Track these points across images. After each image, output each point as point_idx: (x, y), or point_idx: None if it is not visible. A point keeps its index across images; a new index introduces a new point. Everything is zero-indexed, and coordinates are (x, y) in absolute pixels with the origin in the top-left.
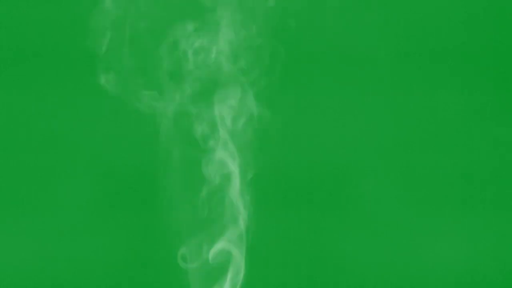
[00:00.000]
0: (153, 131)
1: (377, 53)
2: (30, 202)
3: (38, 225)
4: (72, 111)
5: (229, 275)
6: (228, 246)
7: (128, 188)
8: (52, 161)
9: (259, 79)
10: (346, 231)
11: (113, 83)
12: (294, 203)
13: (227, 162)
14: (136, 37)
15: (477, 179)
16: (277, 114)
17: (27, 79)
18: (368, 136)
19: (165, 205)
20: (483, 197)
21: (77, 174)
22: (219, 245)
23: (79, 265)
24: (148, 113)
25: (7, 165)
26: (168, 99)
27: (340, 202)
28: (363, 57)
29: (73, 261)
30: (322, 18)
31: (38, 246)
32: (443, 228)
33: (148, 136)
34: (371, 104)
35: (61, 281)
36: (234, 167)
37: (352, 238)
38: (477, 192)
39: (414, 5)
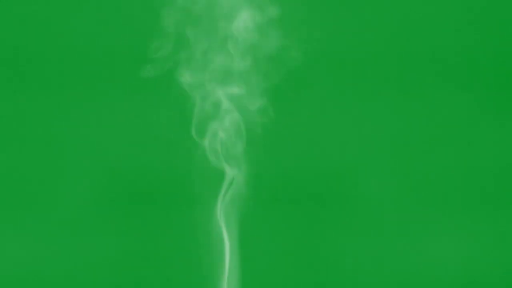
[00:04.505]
0: (155, 130)
1: (377, 54)
2: (31, 202)
3: (40, 225)
4: (73, 111)
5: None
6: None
7: (129, 188)
8: (54, 161)
9: (262, 80)
10: (347, 231)
11: (113, 84)
12: (294, 204)
13: (227, 162)
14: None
15: (478, 179)
16: (278, 116)
17: (26, 80)
18: (369, 137)
19: (168, 205)
20: (484, 197)
21: (78, 174)
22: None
23: (80, 265)
24: (149, 113)
25: (8, 165)
26: (169, 100)
27: (340, 203)
28: (363, 59)
29: (74, 261)
30: (322, 20)
31: (39, 246)
32: (444, 228)
33: (150, 135)
34: (372, 105)
35: (62, 281)
36: (235, 168)
37: (353, 239)
38: (478, 193)
39: (415, 6)
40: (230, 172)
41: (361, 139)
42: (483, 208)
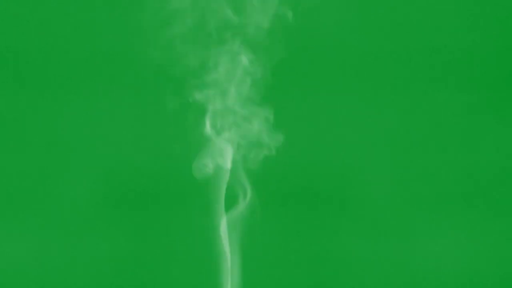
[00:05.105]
0: (155, 130)
1: (379, 54)
2: (30, 202)
3: (39, 225)
4: (72, 111)
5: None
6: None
7: (130, 189)
8: (53, 161)
9: (261, 80)
10: (349, 232)
11: (112, 83)
12: (297, 204)
13: (227, 163)
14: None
15: (479, 180)
16: (278, 116)
17: (26, 79)
18: (370, 137)
19: (167, 205)
20: (485, 197)
21: (79, 175)
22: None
23: (80, 266)
24: (150, 112)
25: (7, 165)
26: (171, 99)
27: (341, 203)
28: (364, 58)
29: (75, 261)
30: (321, 19)
31: (38, 246)
32: (445, 229)
33: (151, 136)
34: (373, 106)
35: (62, 281)
36: (235, 169)
37: (356, 239)
38: (479, 193)
39: (415, 6)
40: (232, 173)
41: (363, 140)
42: (485, 209)
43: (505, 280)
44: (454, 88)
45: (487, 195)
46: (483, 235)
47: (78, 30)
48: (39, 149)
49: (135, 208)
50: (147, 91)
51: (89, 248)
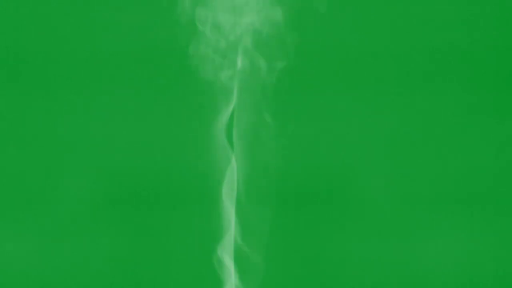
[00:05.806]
0: (155, 130)
1: (377, 54)
2: (31, 202)
3: (40, 225)
4: (72, 110)
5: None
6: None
7: (130, 189)
8: (53, 161)
9: (262, 79)
10: (348, 232)
11: (112, 83)
12: (295, 204)
13: (227, 163)
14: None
15: (479, 179)
16: (279, 115)
17: (26, 79)
18: (371, 137)
19: (168, 206)
20: (485, 197)
21: (79, 174)
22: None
23: (79, 266)
24: (150, 112)
25: (8, 165)
26: (171, 98)
27: (341, 203)
28: (363, 58)
29: (76, 262)
30: (322, 19)
31: (39, 246)
32: (445, 229)
33: (150, 135)
34: (372, 105)
35: (63, 282)
36: (234, 168)
37: (354, 240)
38: (479, 193)
39: (414, 6)
40: (232, 174)
41: (363, 140)
42: (485, 209)
43: (505, 280)
44: (454, 88)
45: (487, 195)
46: (483, 235)
47: (78, 30)
48: (39, 149)
49: (135, 208)
50: (147, 91)
51: (89, 248)
